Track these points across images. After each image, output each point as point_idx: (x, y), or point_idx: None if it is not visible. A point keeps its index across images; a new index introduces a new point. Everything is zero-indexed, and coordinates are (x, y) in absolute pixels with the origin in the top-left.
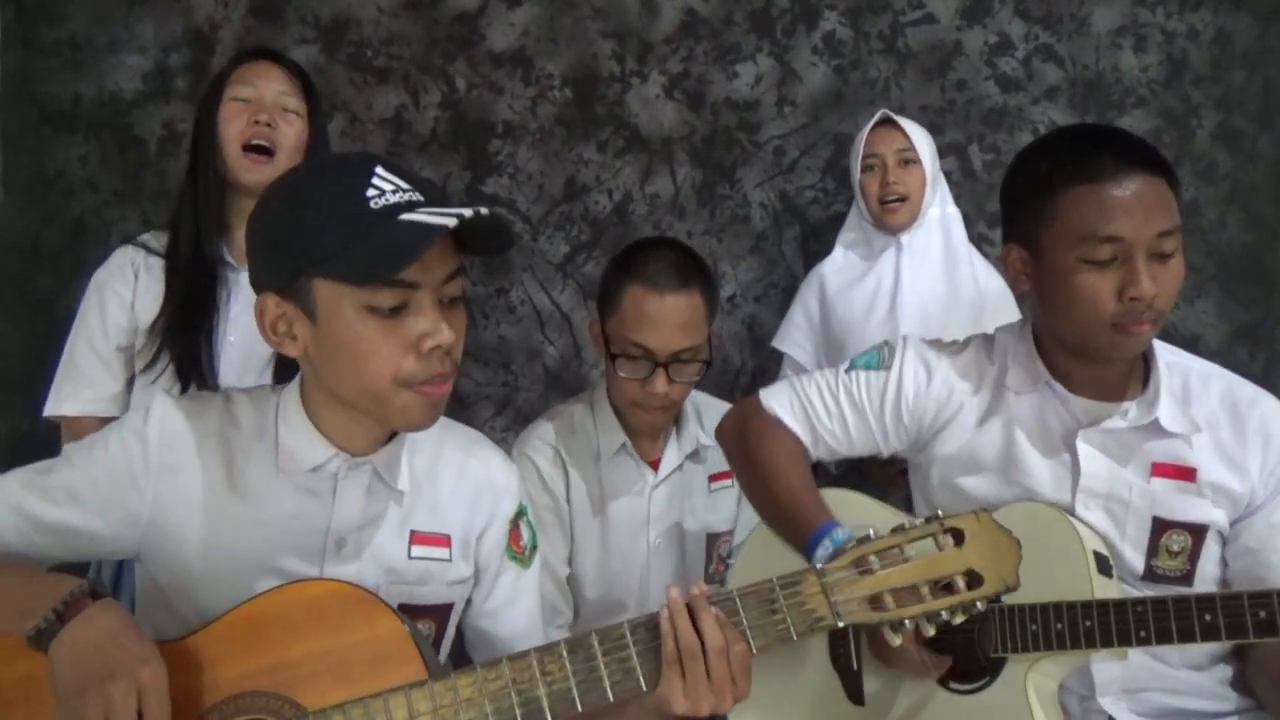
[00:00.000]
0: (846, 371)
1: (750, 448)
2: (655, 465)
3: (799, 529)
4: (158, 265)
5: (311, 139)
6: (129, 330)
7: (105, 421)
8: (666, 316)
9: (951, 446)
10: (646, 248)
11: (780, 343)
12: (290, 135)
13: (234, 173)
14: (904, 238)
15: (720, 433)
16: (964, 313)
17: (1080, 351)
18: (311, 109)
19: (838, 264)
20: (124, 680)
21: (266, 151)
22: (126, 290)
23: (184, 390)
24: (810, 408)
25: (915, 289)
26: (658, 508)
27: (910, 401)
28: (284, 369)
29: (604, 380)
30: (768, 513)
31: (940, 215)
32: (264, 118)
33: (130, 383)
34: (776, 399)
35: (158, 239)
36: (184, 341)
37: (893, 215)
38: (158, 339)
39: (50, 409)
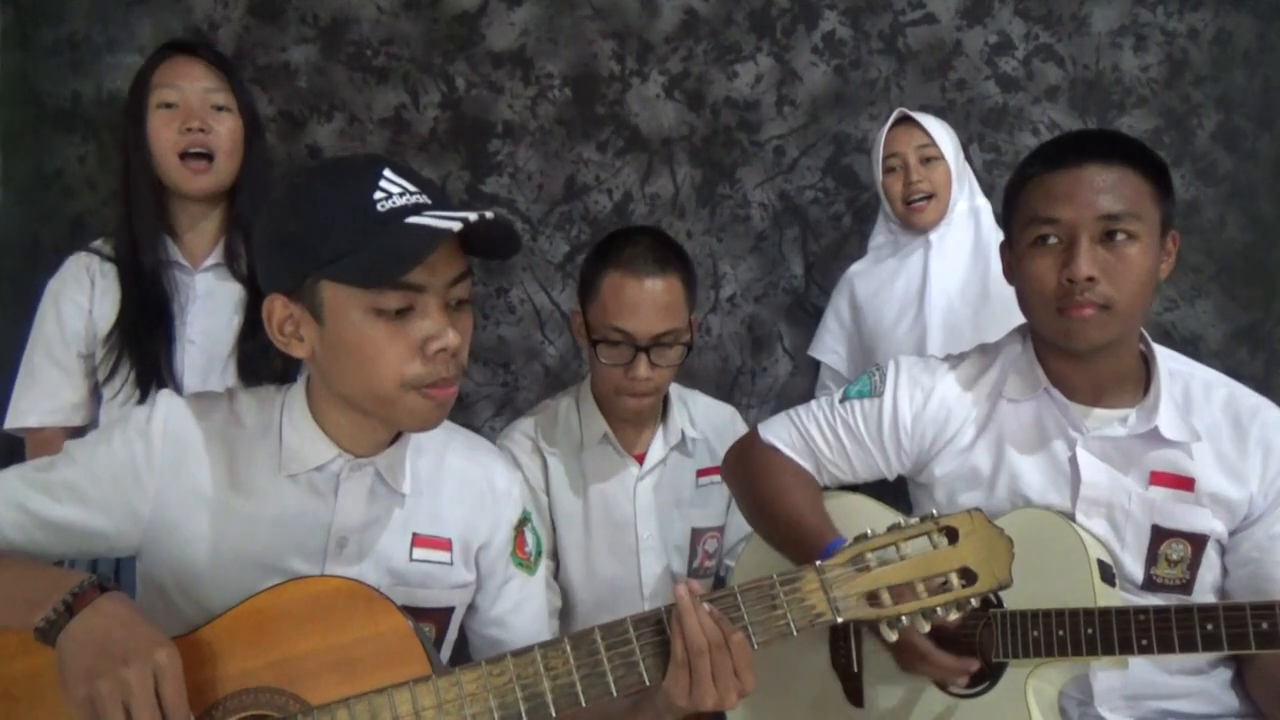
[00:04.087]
0: (841, 402)
1: (754, 480)
2: (640, 459)
3: (807, 550)
4: (113, 271)
5: (246, 129)
6: (88, 338)
7: (70, 431)
8: (645, 300)
9: (949, 466)
10: (624, 235)
11: (815, 351)
12: (224, 135)
13: (175, 183)
14: (933, 235)
15: (723, 469)
16: (995, 309)
17: (1050, 345)
18: (240, 99)
19: (866, 267)
20: (139, 663)
21: (205, 157)
22: (83, 297)
23: (143, 398)
24: (811, 441)
25: (942, 288)
26: (644, 501)
27: (909, 425)
28: (247, 367)
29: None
30: (775, 539)
31: (969, 208)
32: (195, 123)
33: (94, 392)
34: (776, 434)
35: (110, 244)
36: (142, 348)
37: (920, 214)
38: (116, 348)
39: (11, 422)
